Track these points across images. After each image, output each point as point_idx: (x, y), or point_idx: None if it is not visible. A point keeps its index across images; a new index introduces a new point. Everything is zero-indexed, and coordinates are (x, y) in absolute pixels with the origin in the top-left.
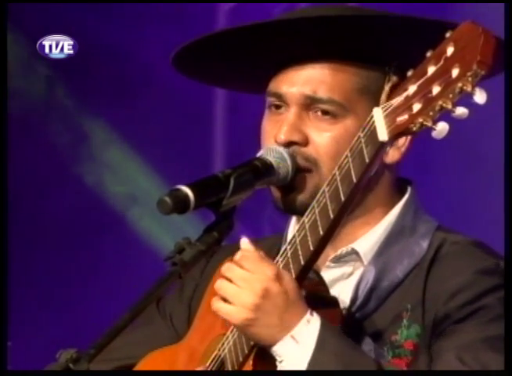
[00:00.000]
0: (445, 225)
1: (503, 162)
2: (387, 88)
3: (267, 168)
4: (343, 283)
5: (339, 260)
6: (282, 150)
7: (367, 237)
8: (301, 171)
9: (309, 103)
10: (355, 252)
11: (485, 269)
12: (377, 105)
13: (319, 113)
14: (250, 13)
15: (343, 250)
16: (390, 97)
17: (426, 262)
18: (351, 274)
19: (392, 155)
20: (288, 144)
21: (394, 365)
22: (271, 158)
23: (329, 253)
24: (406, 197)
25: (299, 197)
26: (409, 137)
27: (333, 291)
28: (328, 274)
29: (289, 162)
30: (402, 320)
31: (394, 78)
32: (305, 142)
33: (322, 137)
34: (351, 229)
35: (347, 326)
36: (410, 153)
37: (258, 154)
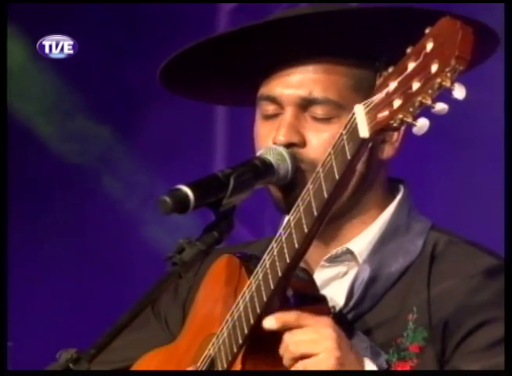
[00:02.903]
0: (438, 225)
1: (503, 164)
2: (378, 83)
3: (267, 168)
4: (337, 283)
5: (334, 260)
6: (282, 149)
7: (362, 237)
8: (301, 171)
9: (305, 104)
10: (349, 252)
11: (490, 271)
12: None
13: (316, 113)
14: (251, 13)
15: (338, 250)
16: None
17: (425, 262)
18: (345, 274)
19: (387, 151)
20: (287, 146)
21: (397, 368)
22: (271, 158)
23: (325, 252)
24: (400, 195)
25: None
26: (402, 132)
27: (328, 291)
28: (322, 274)
29: (288, 161)
30: (407, 323)
31: (385, 73)
32: (303, 144)
33: (320, 138)
34: (348, 229)
35: (341, 323)
36: (408, 153)
37: (258, 154)
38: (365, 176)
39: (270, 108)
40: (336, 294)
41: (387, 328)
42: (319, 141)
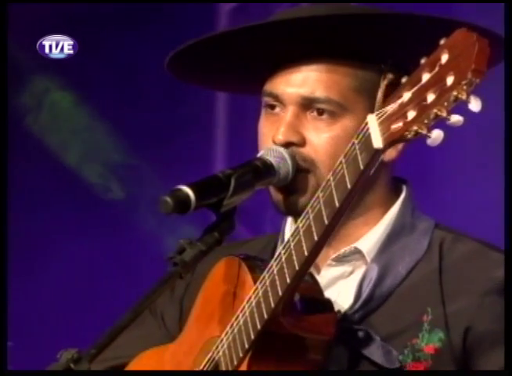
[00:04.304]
0: (442, 224)
1: (503, 163)
2: (383, 85)
3: (267, 168)
4: (343, 282)
5: (341, 259)
6: (282, 150)
7: (369, 236)
8: (301, 172)
9: (307, 104)
10: (358, 251)
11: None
12: (374, 103)
13: (317, 113)
14: (252, 14)
15: (346, 249)
16: (386, 95)
17: (433, 261)
18: (351, 273)
19: (390, 153)
20: (286, 145)
21: (412, 369)
22: (271, 158)
23: (330, 252)
24: (403, 195)
25: (300, 199)
26: None
27: (333, 290)
28: (329, 273)
29: (289, 162)
30: (422, 324)
31: (390, 76)
32: (303, 143)
33: (321, 138)
34: (352, 229)
35: (349, 323)
36: (411, 154)
37: (259, 154)
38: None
39: (273, 105)
40: (342, 293)
41: (399, 328)
42: (320, 140)
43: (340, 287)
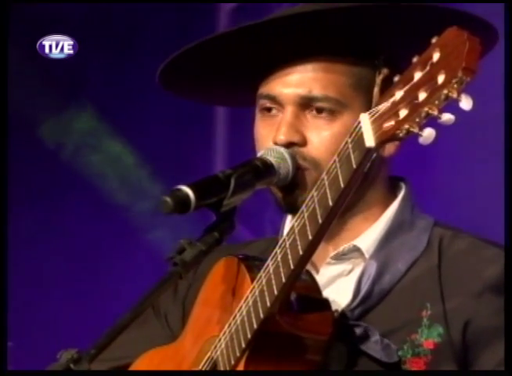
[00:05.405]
0: (441, 221)
1: (503, 161)
2: (378, 80)
3: (267, 168)
4: (343, 280)
5: (340, 257)
6: (282, 149)
7: (368, 234)
8: (302, 171)
9: (305, 103)
10: (356, 249)
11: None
12: (371, 98)
13: (316, 111)
14: (251, 13)
15: (345, 247)
16: (383, 90)
17: (432, 257)
18: (351, 271)
19: (388, 149)
20: (288, 145)
21: (412, 364)
22: (271, 158)
23: (330, 250)
24: (403, 192)
25: (300, 197)
26: None
27: (333, 288)
28: (328, 271)
29: (289, 162)
30: (421, 319)
31: (385, 70)
32: (304, 143)
33: (321, 136)
34: (352, 226)
35: (348, 319)
36: (409, 151)
37: (259, 154)
38: (366, 174)
39: (270, 107)
40: (341, 291)
41: (398, 324)
42: (321, 139)
43: (340, 285)
